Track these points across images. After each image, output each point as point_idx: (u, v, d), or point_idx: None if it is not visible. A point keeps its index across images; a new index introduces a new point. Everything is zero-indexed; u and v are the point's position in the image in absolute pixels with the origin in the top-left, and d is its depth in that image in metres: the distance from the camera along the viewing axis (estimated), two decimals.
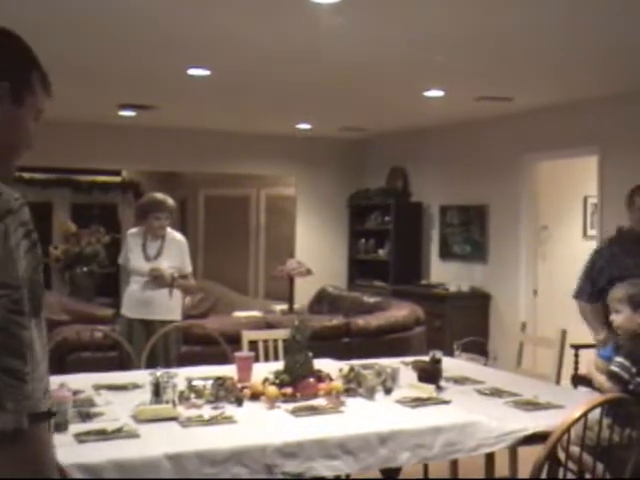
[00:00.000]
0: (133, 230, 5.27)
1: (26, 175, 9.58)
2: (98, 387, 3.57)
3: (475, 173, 7.96)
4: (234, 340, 4.43)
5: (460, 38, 4.60)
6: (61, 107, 7.34)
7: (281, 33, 4.55)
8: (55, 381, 2.90)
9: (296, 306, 8.05)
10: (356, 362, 3.93)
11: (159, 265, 5.04)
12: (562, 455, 3.04)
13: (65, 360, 4.80)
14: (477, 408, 3.24)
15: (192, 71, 5.64)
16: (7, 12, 3.93)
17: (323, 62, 5.33)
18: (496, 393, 3.51)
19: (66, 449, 2.18)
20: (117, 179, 10.43)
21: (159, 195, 5.19)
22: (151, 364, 4.11)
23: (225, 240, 9.89)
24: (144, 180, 10.40)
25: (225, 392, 3.33)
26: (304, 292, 8.36)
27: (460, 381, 3.73)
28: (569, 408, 3.04)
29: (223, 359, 4.13)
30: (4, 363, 1.18)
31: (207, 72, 5.67)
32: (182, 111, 7.62)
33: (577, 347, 5.73)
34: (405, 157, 9.07)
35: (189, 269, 5.22)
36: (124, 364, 4.51)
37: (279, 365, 3.68)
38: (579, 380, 5.66)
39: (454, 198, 8.24)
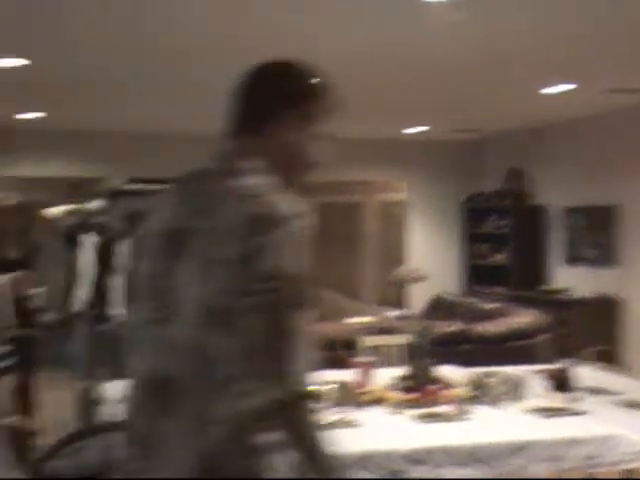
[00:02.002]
0: None
1: (149, 187, 9.89)
2: None
3: (604, 171, 7.51)
4: (349, 346, 4.41)
5: (589, 28, 4.40)
6: (172, 119, 7.58)
7: (391, 33, 4.49)
8: None
9: (410, 312, 7.95)
10: (478, 369, 3.82)
11: None
12: None
13: None
14: (616, 420, 3.08)
15: None
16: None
17: (435, 62, 5.22)
18: (636, 405, 3.32)
19: None
20: None
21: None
22: None
23: (336, 247, 9.90)
24: None
25: (345, 396, 3.33)
26: (417, 298, 8.23)
27: (595, 392, 3.54)
28: None
29: (338, 364, 4.11)
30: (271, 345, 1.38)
31: None
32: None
33: None
34: (523, 157, 8.76)
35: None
36: None
37: (398, 371, 3.63)
38: None
39: (580, 199, 7.83)
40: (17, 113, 7.02)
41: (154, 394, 1.43)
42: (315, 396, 1.46)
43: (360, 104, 6.78)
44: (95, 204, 5.32)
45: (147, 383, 1.46)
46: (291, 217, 1.44)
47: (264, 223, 1.40)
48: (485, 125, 8.39)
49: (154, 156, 8.38)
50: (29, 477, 3.17)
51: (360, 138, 8.76)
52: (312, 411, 1.46)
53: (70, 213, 5.42)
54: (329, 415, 3.11)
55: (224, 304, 1.37)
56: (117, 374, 4.83)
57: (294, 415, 1.41)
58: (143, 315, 1.48)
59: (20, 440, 3.67)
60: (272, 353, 1.38)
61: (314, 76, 1.65)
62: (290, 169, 1.64)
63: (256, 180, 1.48)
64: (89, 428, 3.00)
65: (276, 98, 1.60)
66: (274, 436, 1.41)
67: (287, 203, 1.47)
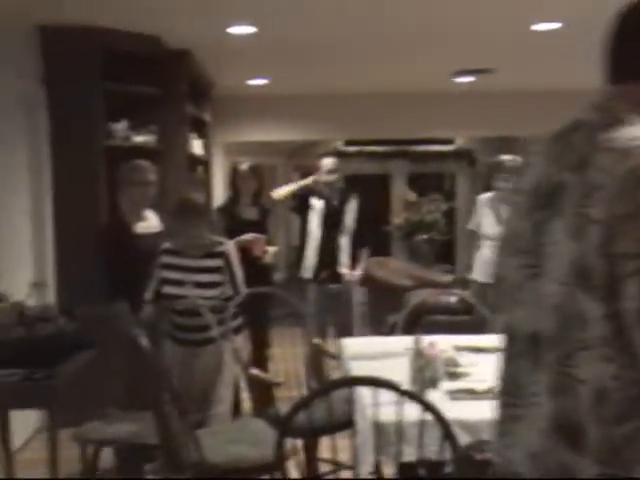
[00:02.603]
0: (484, 196, 5.23)
1: (368, 149, 10.02)
2: (459, 348, 3.57)
3: None
4: None
5: None
6: (399, 79, 7.52)
7: None
8: (425, 340, 2.95)
9: None
10: None
11: None
12: None
13: (419, 323, 4.89)
14: None
15: (537, 26, 5.36)
16: None
17: None
18: None
19: (441, 404, 2.17)
20: (451, 148, 10.45)
21: (507, 157, 5.11)
22: None
23: None
24: (478, 147, 10.30)
25: None
26: None
27: None
28: None
29: None
30: None
31: (556, 25, 5.34)
32: (522, 71, 7.33)
33: None
34: None
35: None
36: (478, 327, 4.47)
37: None
38: None
39: None
40: (247, 79, 7.31)
41: (525, 347, 1.41)
42: None
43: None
44: (329, 161, 5.38)
45: (520, 336, 1.43)
46: None
47: None
48: None
49: (373, 117, 8.42)
50: (274, 427, 3.28)
51: (590, 89, 8.21)
52: None
53: (294, 194, 5.57)
54: None
55: (598, 265, 1.26)
56: (344, 332, 4.97)
57: None
58: (515, 271, 1.45)
59: (263, 391, 3.83)
60: None
61: None
62: None
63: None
64: (333, 383, 3.05)
65: None
66: None
67: None
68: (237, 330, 3.87)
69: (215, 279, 3.88)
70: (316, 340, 4.23)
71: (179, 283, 3.85)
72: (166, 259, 3.92)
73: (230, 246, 4.02)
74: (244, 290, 3.96)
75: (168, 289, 3.90)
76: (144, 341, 2.82)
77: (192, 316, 3.80)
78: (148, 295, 3.93)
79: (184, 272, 3.86)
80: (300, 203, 5.54)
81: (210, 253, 3.90)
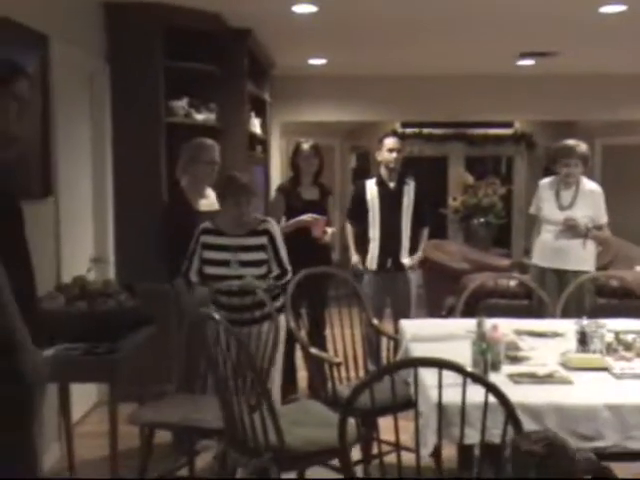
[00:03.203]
0: (546, 180, 5.13)
1: (425, 131, 9.92)
2: (519, 332, 3.53)
3: None
4: None
5: None
6: (459, 61, 7.41)
7: None
8: (487, 323, 2.92)
9: None
10: None
11: (573, 214, 4.85)
12: None
13: (478, 306, 4.84)
14: None
15: (605, 9, 5.22)
16: None
17: None
18: None
19: (503, 388, 2.14)
20: (509, 131, 10.27)
21: (570, 141, 4.98)
22: (564, 314, 3.98)
23: (624, 191, 9.18)
24: (537, 130, 10.11)
25: None
26: None
27: None
28: None
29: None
30: None
31: (621, 8, 5.19)
32: (586, 55, 7.15)
33: None
34: None
35: (604, 219, 4.99)
36: (537, 312, 4.41)
37: None
38: None
39: None
40: (307, 59, 7.29)
41: None
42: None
43: None
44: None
45: None
46: None
47: None
48: None
49: (431, 99, 8.33)
50: (333, 409, 3.28)
51: None
52: None
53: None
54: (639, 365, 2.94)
55: None
56: (401, 314, 4.93)
57: None
58: None
59: (321, 371, 3.82)
60: None
61: None
62: None
63: None
64: (397, 364, 3.03)
65: None
66: None
67: None
68: (279, 310, 3.85)
69: (261, 257, 3.86)
70: (375, 321, 4.21)
71: (224, 263, 3.81)
72: (207, 239, 3.87)
73: (273, 223, 3.99)
74: (289, 267, 3.94)
75: (211, 270, 3.84)
76: (224, 323, 2.81)
77: (243, 295, 3.75)
78: (194, 276, 3.89)
79: (228, 251, 3.82)
80: (354, 207, 5.41)
81: (254, 231, 3.87)
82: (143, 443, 3.47)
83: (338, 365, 3.58)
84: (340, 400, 3.43)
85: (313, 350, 3.71)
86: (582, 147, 4.93)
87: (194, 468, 3.68)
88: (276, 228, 3.98)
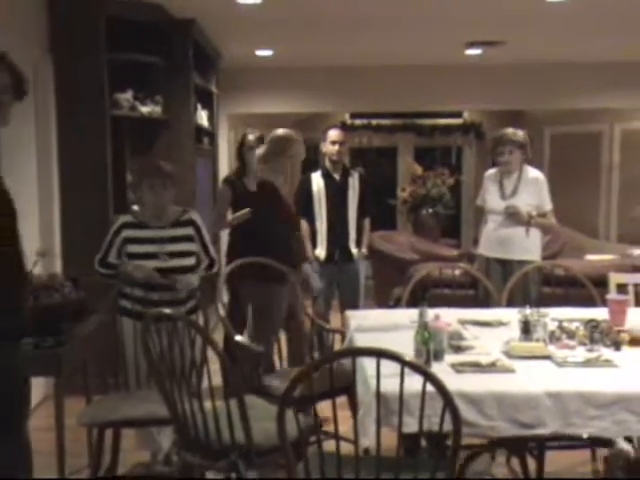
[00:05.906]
0: (491, 171, 5.19)
1: (374, 122, 9.96)
2: (463, 322, 3.56)
3: None
4: (597, 283, 4.16)
5: None
6: (407, 52, 7.44)
7: None
8: (430, 313, 2.94)
9: None
10: None
11: (516, 203, 4.90)
12: None
13: (424, 296, 4.87)
14: None
15: None
16: None
17: None
18: None
19: (444, 377, 2.17)
20: (458, 121, 10.38)
21: (506, 130, 5.03)
22: (510, 303, 4.02)
23: (572, 180, 9.35)
24: (486, 120, 10.22)
25: (600, 335, 3.17)
26: None
27: None
28: None
29: (586, 302, 3.89)
30: None
31: None
32: (533, 44, 7.24)
33: None
34: None
35: (548, 207, 5.01)
36: (483, 302, 4.46)
37: None
38: None
39: None
40: (254, 51, 7.25)
41: None
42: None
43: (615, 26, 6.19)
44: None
45: None
46: None
47: None
48: None
49: (380, 90, 8.35)
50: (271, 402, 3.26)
51: (607, 61, 8.10)
52: None
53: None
54: (582, 353, 2.98)
55: None
56: (349, 305, 4.95)
57: None
58: None
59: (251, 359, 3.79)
60: None
61: None
62: None
63: None
64: (335, 353, 3.03)
65: None
66: None
67: None
68: (194, 310, 3.77)
69: (189, 248, 3.75)
70: (309, 311, 4.21)
71: (152, 256, 3.66)
72: (129, 232, 3.71)
73: (196, 213, 3.89)
74: (216, 257, 3.89)
75: (139, 263, 3.66)
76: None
77: (164, 291, 3.62)
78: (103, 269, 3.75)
79: (153, 244, 3.68)
80: (301, 202, 5.37)
81: (177, 222, 3.77)
82: (96, 444, 3.41)
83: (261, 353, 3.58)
84: (268, 390, 3.47)
85: (238, 338, 3.69)
86: (518, 134, 4.93)
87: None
88: (199, 217, 3.88)
